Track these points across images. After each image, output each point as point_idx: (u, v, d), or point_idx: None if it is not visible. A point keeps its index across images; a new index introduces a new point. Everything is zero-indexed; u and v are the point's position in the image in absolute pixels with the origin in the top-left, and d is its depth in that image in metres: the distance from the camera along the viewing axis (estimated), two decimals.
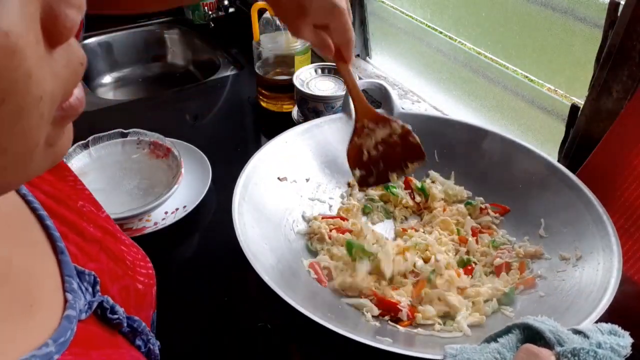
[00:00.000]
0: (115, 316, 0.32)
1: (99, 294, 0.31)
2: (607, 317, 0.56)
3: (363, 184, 0.62)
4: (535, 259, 0.61)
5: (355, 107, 0.60)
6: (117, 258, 0.38)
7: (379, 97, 0.77)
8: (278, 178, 0.68)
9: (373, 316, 0.55)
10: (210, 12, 1.30)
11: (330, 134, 0.73)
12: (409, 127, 0.60)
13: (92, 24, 1.34)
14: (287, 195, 0.68)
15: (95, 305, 0.30)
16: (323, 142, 0.73)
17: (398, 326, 0.55)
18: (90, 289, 0.31)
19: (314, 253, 0.64)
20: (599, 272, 0.53)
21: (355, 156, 0.61)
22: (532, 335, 0.36)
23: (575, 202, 0.60)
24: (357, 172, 0.61)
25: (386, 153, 0.60)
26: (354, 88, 0.60)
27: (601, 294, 0.50)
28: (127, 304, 0.35)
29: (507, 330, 0.38)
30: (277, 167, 0.68)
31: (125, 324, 0.33)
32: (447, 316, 0.56)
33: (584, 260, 0.56)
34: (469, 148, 0.71)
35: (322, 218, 0.67)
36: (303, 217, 0.68)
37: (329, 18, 0.53)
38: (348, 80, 0.59)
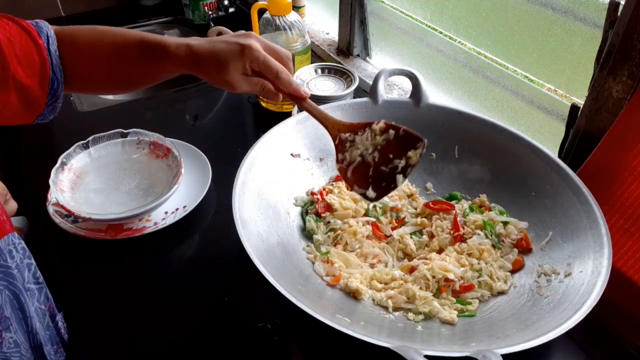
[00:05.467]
0: None
1: None
2: (607, 318, 0.56)
3: (372, 198, 0.55)
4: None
5: (325, 125, 0.58)
6: None
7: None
8: (291, 154, 0.71)
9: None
10: (210, 12, 1.30)
11: (353, 118, 0.74)
12: (386, 121, 0.55)
13: (92, 23, 1.34)
14: (298, 173, 0.71)
15: None
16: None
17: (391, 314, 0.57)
18: None
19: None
20: (580, 292, 0.52)
21: (348, 174, 0.57)
22: None
23: (582, 219, 0.59)
24: (359, 189, 0.56)
25: (381, 157, 0.55)
26: (318, 112, 0.58)
27: (570, 314, 0.49)
28: None
29: None
30: (291, 144, 0.71)
31: None
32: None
33: (571, 277, 0.55)
34: (490, 148, 0.70)
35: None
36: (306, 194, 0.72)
37: (243, 59, 0.53)
38: (311, 110, 0.58)
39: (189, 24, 1.36)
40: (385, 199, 0.69)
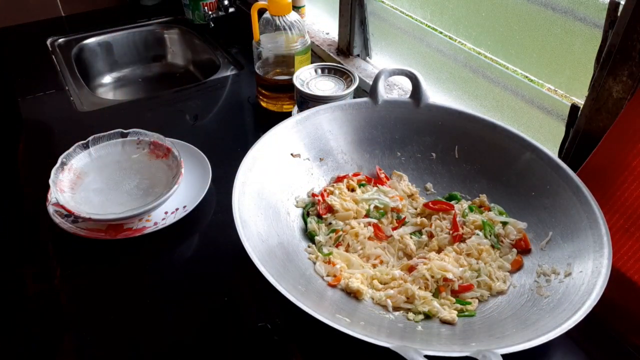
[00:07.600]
0: None
1: None
2: (607, 318, 0.56)
3: None
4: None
5: None
6: None
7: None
8: (291, 154, 0.70)
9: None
10: (210, 12, 1.30)
11: (353, 118, 0.74)
12: None
13: (92, 23, 1.34)
14: (298, 173, 0.71)
15: None
16: (345, 124, 0.74)
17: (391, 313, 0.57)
18: None
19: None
20: (580, 292, 0.52)
21: None
22: None
23: (582, 219, 0.58)
24: None
25: None
26: None
27: (570, 314, 0.49)
28: None
29: None
30: (291, 144, 0.71)
31: None
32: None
33: (571, 277, 0.55)
34: (490, 148, 0.70)
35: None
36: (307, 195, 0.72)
37: None
38: None
39: (189, 24, 1.36)
40: (386, 199, 0.69)
